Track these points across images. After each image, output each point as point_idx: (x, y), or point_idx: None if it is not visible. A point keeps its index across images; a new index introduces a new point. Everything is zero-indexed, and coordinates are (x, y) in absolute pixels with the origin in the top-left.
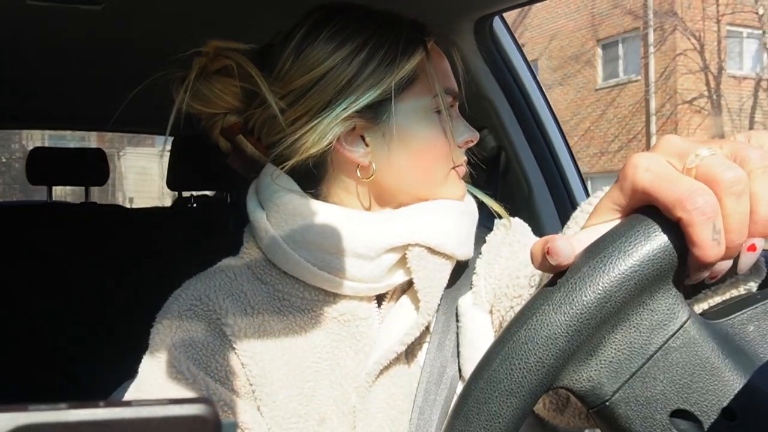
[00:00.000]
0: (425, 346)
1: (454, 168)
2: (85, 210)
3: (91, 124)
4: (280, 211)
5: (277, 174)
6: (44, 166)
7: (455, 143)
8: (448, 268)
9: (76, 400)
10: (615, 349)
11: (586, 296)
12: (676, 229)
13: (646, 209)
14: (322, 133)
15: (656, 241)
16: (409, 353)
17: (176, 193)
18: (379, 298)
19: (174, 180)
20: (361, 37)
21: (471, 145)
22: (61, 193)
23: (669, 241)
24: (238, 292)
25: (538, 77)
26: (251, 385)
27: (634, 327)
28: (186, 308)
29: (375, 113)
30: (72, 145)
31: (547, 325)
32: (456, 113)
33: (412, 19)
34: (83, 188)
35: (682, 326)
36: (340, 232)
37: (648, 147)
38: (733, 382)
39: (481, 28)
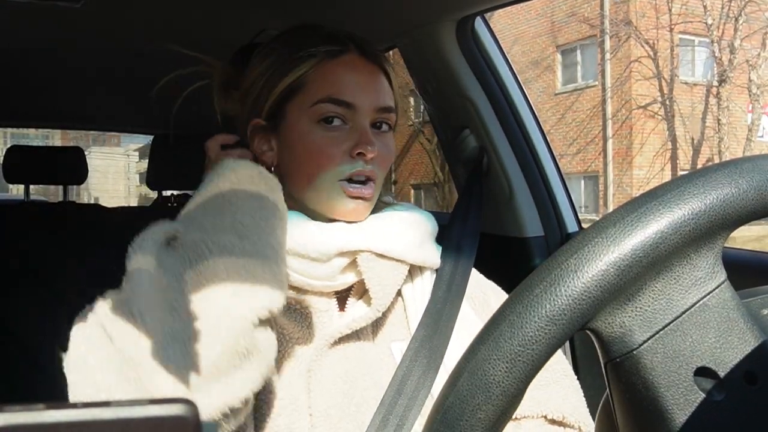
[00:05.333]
0: (400, 343)
1: (343, 181)
2: (64, 209)
3: (65, 122)
4: None
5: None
6: (21, 164)
7: (344, 154)
8: (401, 270)
9: (53, 400)
10: (653, 298)
11: (643, 234)
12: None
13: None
14: (243, 134)
15: (717, 192)
16: (364, 336)
17: (142, 192)
18: (344, 298)
19: (155, 179)
20: (276, 52)
21: (364, 157)
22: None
23: (728, 196)
24: None
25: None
26: None
27: (675, 279)
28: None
29: (273, 120)
30: (36, 143)
31: (599, 256)
32: (359, 122)
33: (329, 30)
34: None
35: (719, 286)
36: (295, 238)
37: (605, 150)
38: (758, 348)
39: (462, 29)
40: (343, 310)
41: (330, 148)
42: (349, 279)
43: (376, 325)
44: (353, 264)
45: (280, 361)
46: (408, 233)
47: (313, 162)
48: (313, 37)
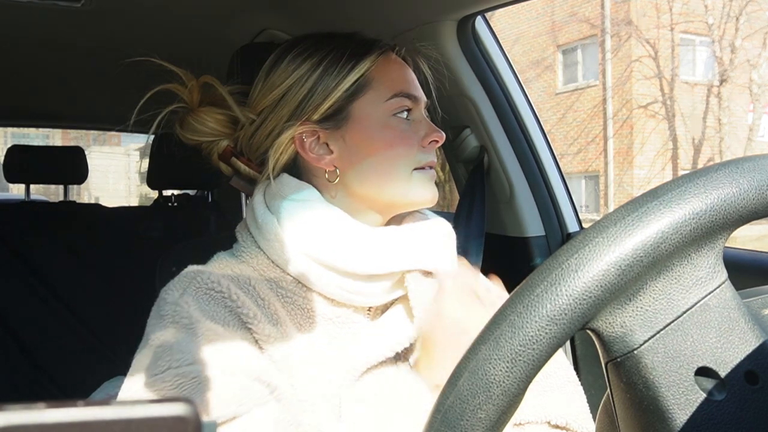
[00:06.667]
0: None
1: (418, 169)
2: (65, 209)
3: (65, 122)
4: (294, 220)
5: (295, 184)
6: (22, 164)
7: (417, 144)
8: (436, 284)
9: (54, 399)
10: (654, 298)
11: (644, 233)
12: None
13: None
14: (287, 140)
15: (718, 192)
16: (401, 357)
17: (143, 192)
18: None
19: (155, 178)
20: (316, 57)
21: (436, 145)
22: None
23: (729, 196)
24: (247, 286)
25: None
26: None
27: (675, 279)
28: (197, 287)
29: (334, 121)
30: (36, 142)
31: (600, 256)
32: (420, 115)
33: (363, 35)
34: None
35: (719, 286)
36: (345, 254)
37: (605, 149)
38: (759, 348)
39: (463, 28)
40: (373, 320)
41: (409, 139)
42: (392, 296)
43: None
44: (399, 281)
45: (307, 371)
46: (449, 247)
47: (393, 153)
48: (356, 41)
